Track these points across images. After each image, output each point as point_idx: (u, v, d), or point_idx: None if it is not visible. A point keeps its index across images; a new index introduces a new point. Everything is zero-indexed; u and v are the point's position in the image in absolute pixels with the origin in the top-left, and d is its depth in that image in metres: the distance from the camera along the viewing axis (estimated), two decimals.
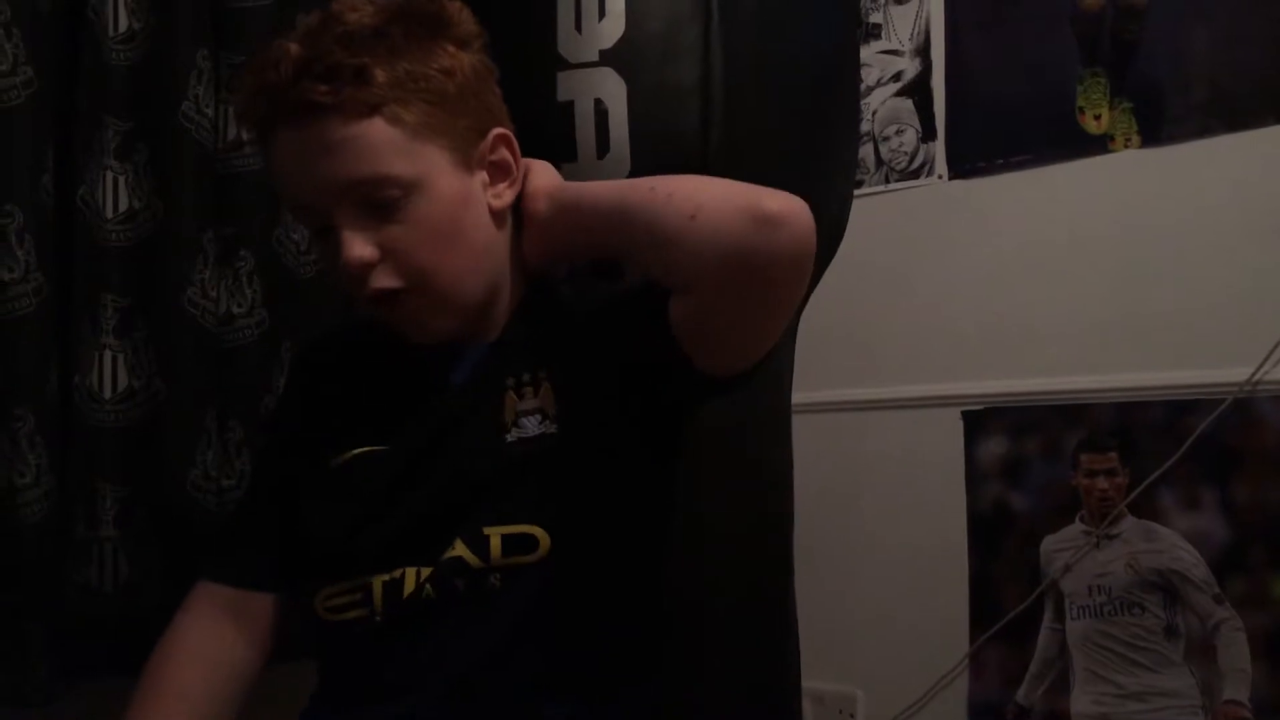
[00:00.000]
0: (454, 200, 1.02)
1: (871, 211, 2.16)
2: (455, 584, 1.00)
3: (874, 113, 2.26)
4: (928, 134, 2.20)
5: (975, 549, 2.09)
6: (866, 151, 2.26)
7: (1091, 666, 1.96)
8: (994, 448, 2.08)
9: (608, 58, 1.20)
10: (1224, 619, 1.84)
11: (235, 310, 1.52)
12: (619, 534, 1.06)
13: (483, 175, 1.05)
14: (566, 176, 1.19)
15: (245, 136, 1.51)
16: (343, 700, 1.05)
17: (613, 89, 1.20)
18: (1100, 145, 2.00)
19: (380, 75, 0.97)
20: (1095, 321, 1.99)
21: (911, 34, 2.23)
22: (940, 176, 2.19)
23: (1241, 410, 1.83)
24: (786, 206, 0.93)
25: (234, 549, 1.16)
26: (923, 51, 2.21)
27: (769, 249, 0.93)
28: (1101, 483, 1.97)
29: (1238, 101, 1.87)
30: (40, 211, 1.36)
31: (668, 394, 1.05)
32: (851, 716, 2.19)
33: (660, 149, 1.22)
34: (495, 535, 1.00)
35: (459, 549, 1.00)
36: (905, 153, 2.23)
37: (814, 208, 1.29)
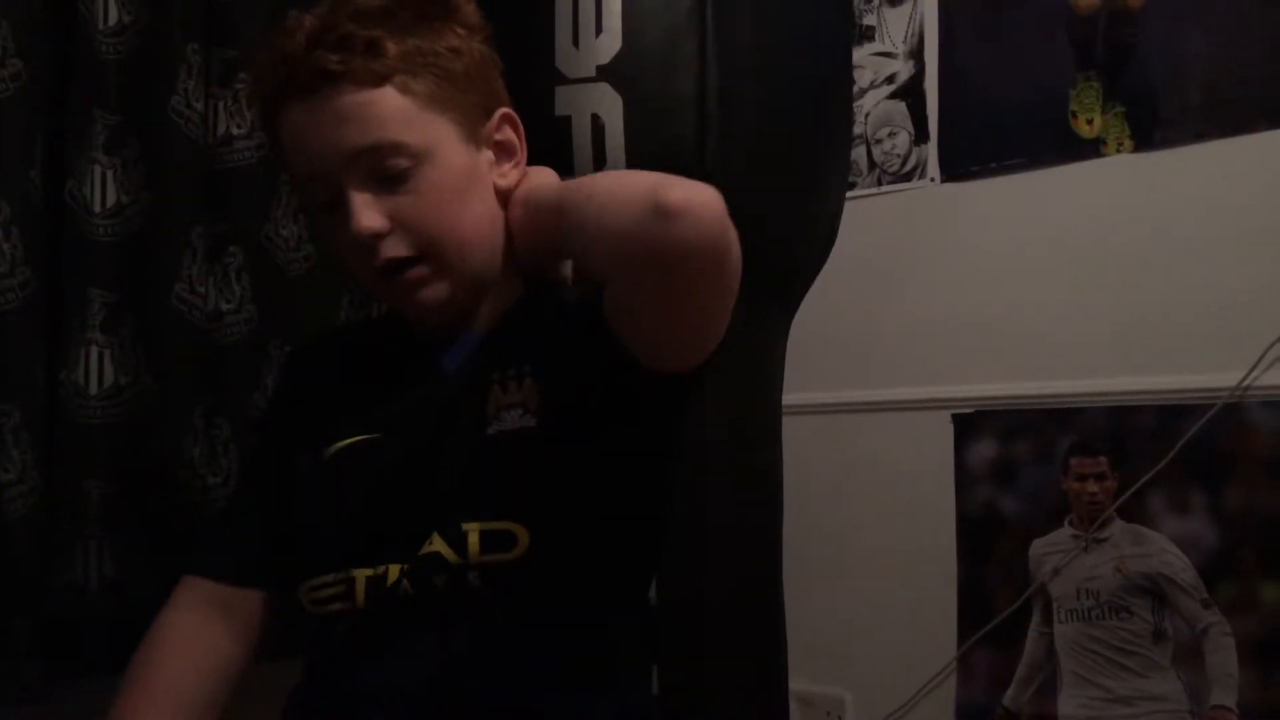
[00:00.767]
0: (461, 172, 1.04)
1: (864, 214, 2.16)
2: (434, 581, 1.00)
3: (867, 115, 2.26)
4: (920, 136, 2.20)
5: (964, 552, 2.09)
6: (859, 153, 2.26)
7: (1079, 670, 1.96)
8: (984, 451, 2.08)
9: (605, 73, 1.21)
10: (1212, 624, 1.84)
11: (224, 307, 1.52)
12: (600, 532, 1.05)
13: (488, 154, 1.08)
14: None
15: (252, 116, 1.49)
16: (322, 697, 1.05)
17: (609, 104, 1.21)
18: (1093, 149, 2.01)
19: (391, 47, 1.00)
20: (1086, 325, 1.99)
21: (905, 36, 2.23)
22: (933, 179, 2.19)
23: (1231, 415, 1.83)
24: (687, 197, 0.90)
25: (222, 544, 1.17)
26: (916, 54, 2.21)
27: (667, 241, 0.90)
28: (1091, 486, 1.97)
29: (1231, 106, 1.88)
30: (28, 205, 1.35)
31: (626, 392, 1.04)
32: (840, 719, 2.19)
33: (657, 163, 1.21)
34: (474, 532, 0.99)
35: (436, 544, 1.00)
36: (898, 155, 2.23)
37: (809, 215, 1.30)
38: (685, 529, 1.24)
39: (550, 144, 1.21)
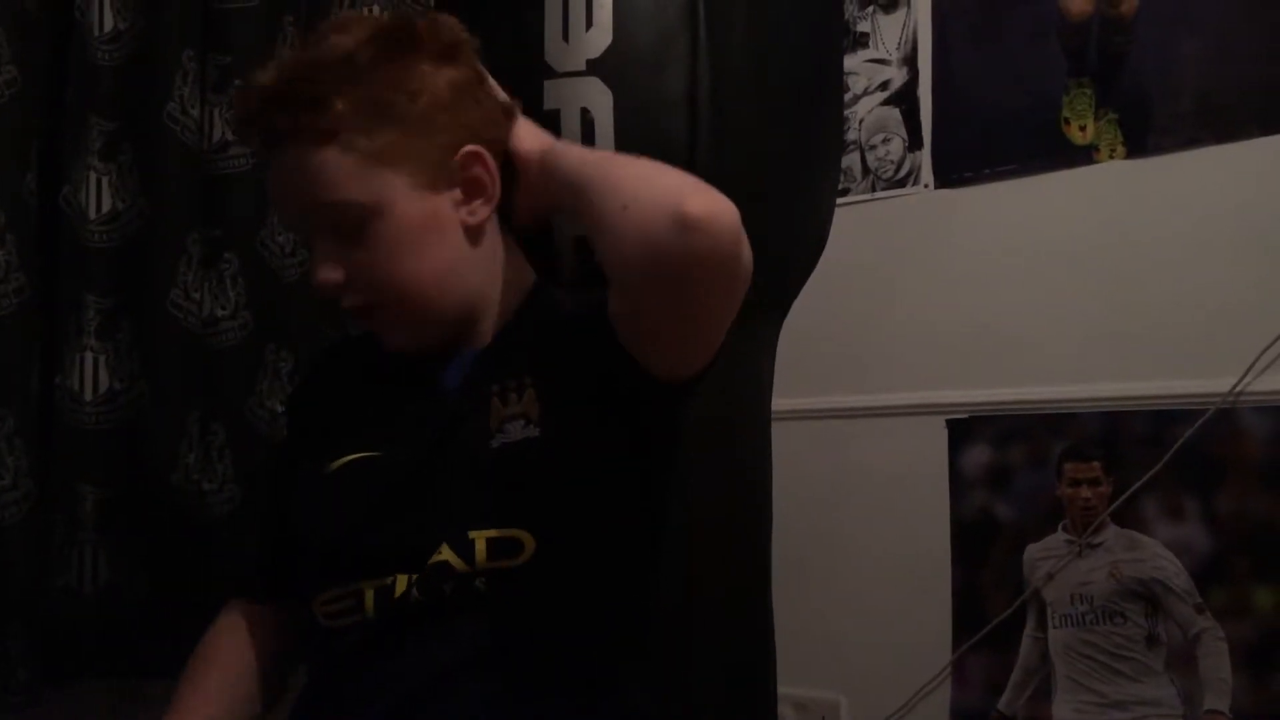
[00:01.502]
0: (416, 222, 1.03)
1: (858, 219, 2.16)
2: (442, 588, 1.00)
3: (861, 121, 2.27)
4: (914, 143, 2.21)
5: (959, 557, 2.10)
6: (853, 159, 2.27)
7: (1073, 675, 1.96)
8: (978, 456, 2.09)
9: (595, 67, 1.20)
10: (1205, 629, 1.84)
11: (219, 313, 1.52)
12: (604, 538, 1.06)
13: (455, 193, 1.06)
14: None
15: (231, 138, 1.50)
16: (328, 700, 1.05)
17: (599, 98, 1.20)
18: (1085, 156, 2.01)
19: (338, 104, 1.00)
20: (1080, 331, 1.99)
21: (899, 43, 2.23)
22: (926, 185, 2.19)
23: (1225, 421, 1.84)
24: (709, 210, 0.90)
25: (254, 564, 1.20)
26: (910, 61, 2.22)
27: (685, 252, 0.90)
28: (1085, 492, 1.98)
29: (1223, 113, 1.88)
30: (23, 211, 1.35)
31: (628, 398, 1.04)
32: None
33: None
34: (480, 539, 1.00)
35: (445, 553, 1.00)
36: (892, 161, 2.23)
37: (800, 219, 1.29)
38: (673, 533, 1.24)
39: None
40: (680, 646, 1.27)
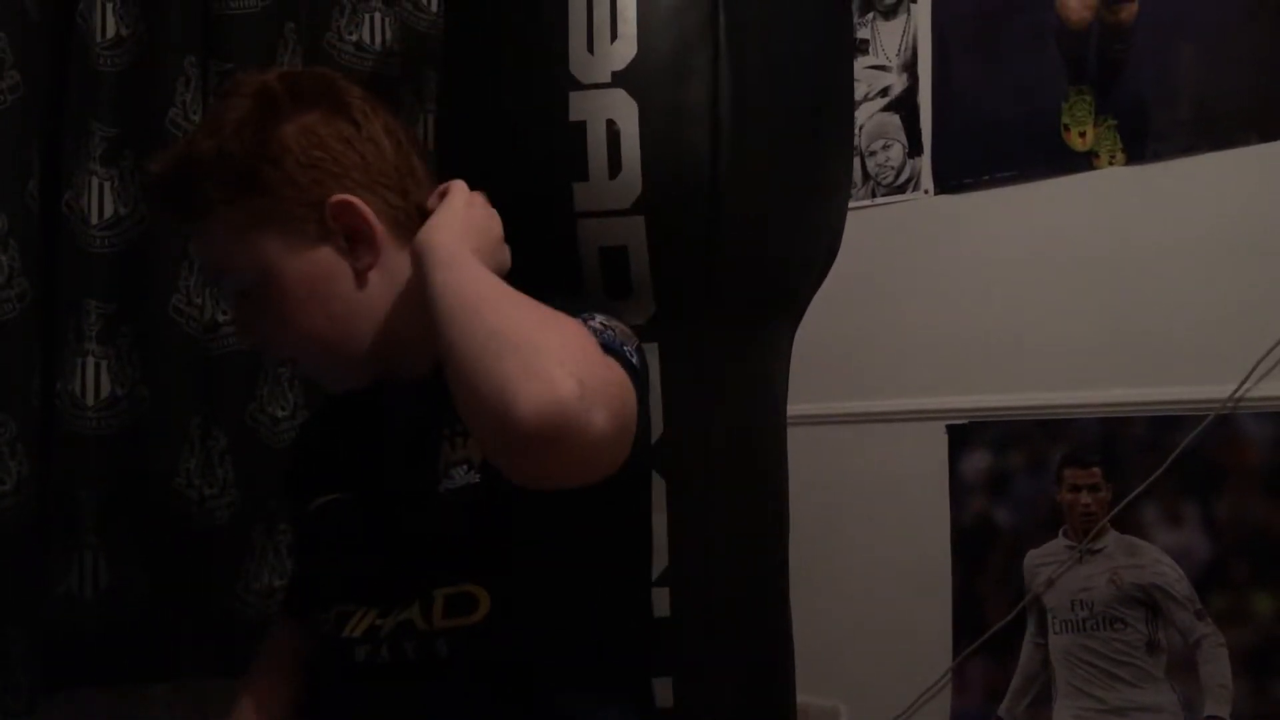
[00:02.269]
0: (302, 280, 1.05)
1: (858, 225, 2.15)
2: (406, 648, 1.02)
3: (861, 127, 2.27)
4: (914, 149, 2.21)
5: (959, 563, 2.10)
6: (853, 165, 2.27)
7: (1073, 681, 1.96)
8: (978, 462, 2.09)
9: (620, 79, 1.21)
10: (1205, 635, 1.84)
11: (220, 318, 1.52)
12: (561, 583, 1.04)
13: (338, 241, 1.06)
14: (578, 196, 1.21)
15: None
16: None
17: (625, 110, 1.21)
18: (1085, 162, 2.02)
19: (204, 185, 1.04)
20: (1080, 337, 1.99)
21: (899, 49, 2.24)
22: (926, 191, 2.20)
23: (1224, 427, 1.84)
24: (538, 413, 0.81)
25: (291, 587, 1.29)
26: (910, 67, 2.22)
27: (514, 454, 0.85)
28: (1085, 498, 1.98)
29: (1222, 120, 1.89)
30: (25, 216, 1.36)
31: None
32: None
33: (671, 169, 1.23)
34: (440, 596, 1.01)
35: (412, 611, 1.02)
36: (892, 167, 2.24)
37: (814, 227, 1.30)
38: (692, 541, 1.24)
39: (564, 149, 1.22)
40: (703, 650, 1.27)
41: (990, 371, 2.08)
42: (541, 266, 1.14)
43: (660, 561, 1.24)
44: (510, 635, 1.01)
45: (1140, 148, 1.96)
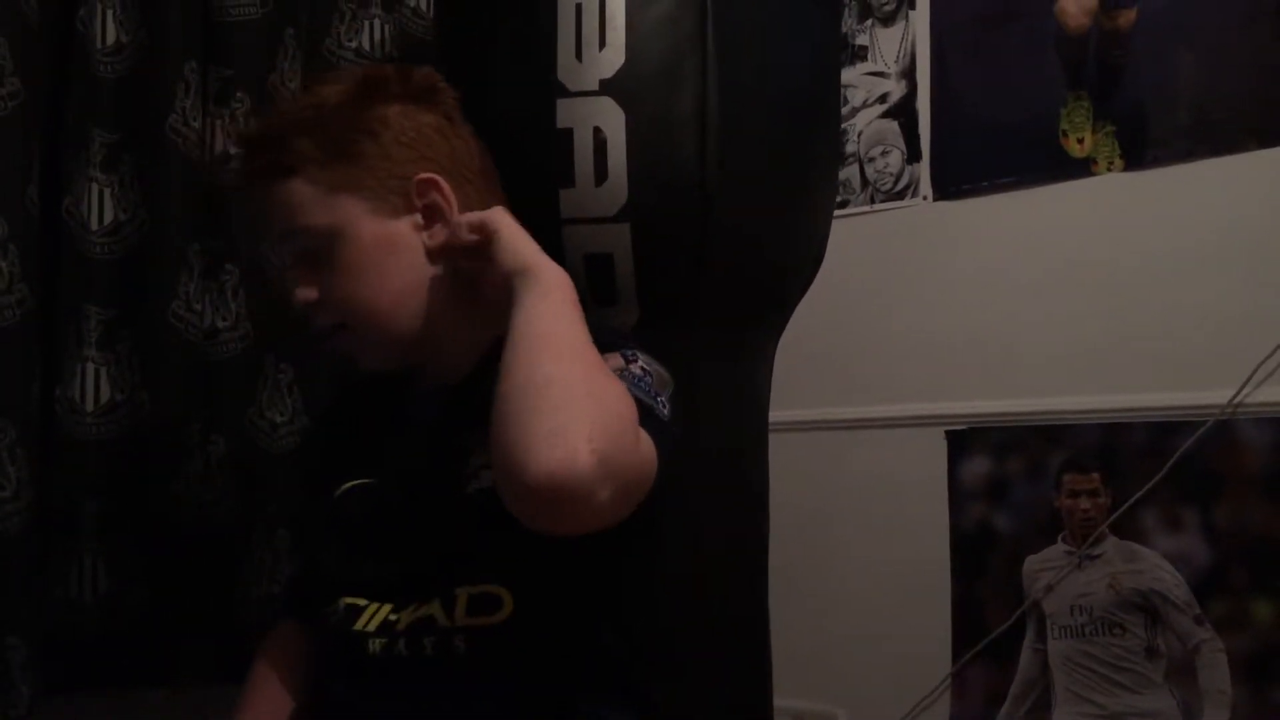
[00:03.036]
0: (376, 244, 1.10)
1: (857, 232, 2.17)
2: (424, 643, 1.03)
3: (859, 134, 2.27)
4: (913, 155, 2.21)
5: (958, 569, 2.10)
6: (852, 172, 2.27)
7: (1073, 687, 1.96)
8: (977, 468, 2.09)
9: (607, 87, 1.22)
10: (1205, 640, 1.84)
11: (220, 324, 1.52)
12: (582, 588, 1.07)
13: (415, 218, 1.11)
14: (564, 203, 1.22)
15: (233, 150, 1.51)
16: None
17: (612, 118, 1.22)
18: (1083, 168, 2.02)
19: (299, 141, 1.10)
20: (1078, 343, 2.00)
21: (897, 56, 2.24)
22: (925, 198, 2.20)
23: (1223, 432, 1.84)
24: (549, 478, 0.87)
25: (293, 586, 1.31)
26: (908, 74, 2.23)
27: (529, 511, 0.91)
28: (1084, 503, 1.98)
29: (1221, 126, 1.89)
30: (25, 222, 1.36)
31: None
32: None
33: (658, 177, 1.23)
34: (463, 595, 1.03)
35: (433, 606, 1.04)
36: (890, 174, 2.24)
37: (800, 235, 1.31)
38: (670, 548, 1.24)
39: (551, 156, 1.22)
40: (676, 663, 1.27)
41: (989, 377, 2.08)
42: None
43: None
44: (531, 637, 1.03)
45: (1139, 154, 1.96)
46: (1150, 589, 1.90)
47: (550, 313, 0.99)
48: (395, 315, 1.11)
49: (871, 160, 2.26)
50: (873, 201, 2.25)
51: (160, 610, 1.46)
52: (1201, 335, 1.87)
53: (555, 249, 1.21)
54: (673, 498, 1.11)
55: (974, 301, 2.11)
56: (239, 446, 1.52)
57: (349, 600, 1.08)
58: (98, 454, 1.44)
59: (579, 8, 1.23)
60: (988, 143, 2.12)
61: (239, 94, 1.52)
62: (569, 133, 1.22)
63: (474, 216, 1.07)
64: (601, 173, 1.22)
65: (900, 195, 2.22)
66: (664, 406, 1.04)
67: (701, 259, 1.26)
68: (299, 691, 1.18)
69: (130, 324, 1.46)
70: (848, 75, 2.26)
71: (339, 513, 1.15)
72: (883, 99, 2.25)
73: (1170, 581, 1.88)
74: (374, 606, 1.07)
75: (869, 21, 2.28)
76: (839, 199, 2.22)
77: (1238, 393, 1.82)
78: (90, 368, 1.44)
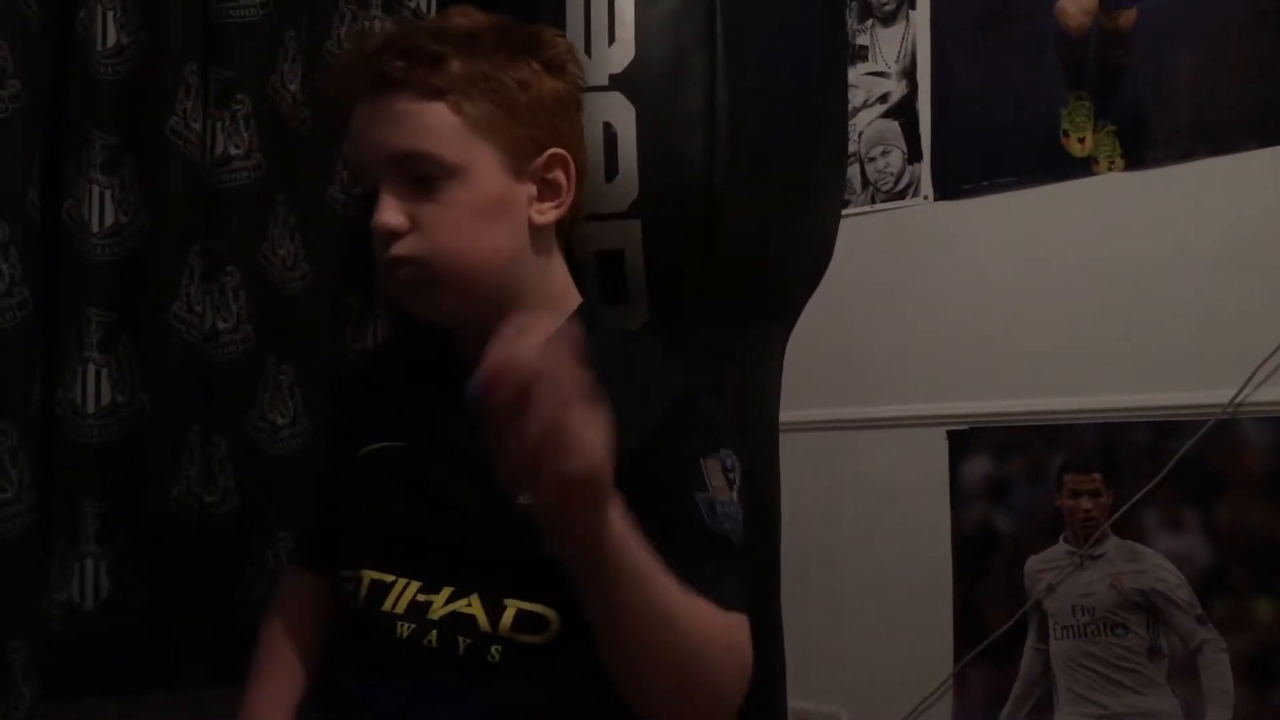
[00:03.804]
0: (491, 197, 1.06)
1: (858, 232, 2.17)
2: (458, 639, 1.01)
3: (860, 134, 2.27)
4: (913, 155, 2.21)
5: (959, 569, 2.10)
6: (853, 172, 2.27)
7: (1075, 687, 1.96)
8: (978, 468, 2.09)
9: (617, 82, 1.22)
10: (1207, 640, 1.84)
11: (221, 326, 1.52)
12: None
13: (531, 188, 1.09)
14: None
15: (234, 152, 1.51)
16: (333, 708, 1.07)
17: (622, 113, 1.22)
18: (1084, 168, 2.02)
19: (455, 66, 1.05)
20: (1079, 343, 2.00)
21: (898, 56, 2.24)
22: (926, 197, 2.20)
23: (1224, 432, 1.84)
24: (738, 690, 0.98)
25: (310, 537, 1.28)
26: (909, 74, 2.23)
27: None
28: (1085, 503, 1.98)
29: (1221, 126, 1.89)
30: (26, 225, 1.35)
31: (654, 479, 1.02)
32: None
33: (668, 173, 1.23)
34: (513, 608, 1.01)
35: (475, 608, 1.01)
36: (891, 173, 2.24)
37: (808, 232, 1.31)
38: None
39: None
40: None
41: (991, 377, 2.08)
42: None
43: None
44: (570, 662, 1.00)
45: (1139, 153, 1.96)
46: (1152, 589, 1.90)
47: (644, 592, 0.91)
48: (480, 273, 1.07)
49: (872, 160, 2.26)
50: (873, 201, 2.25)
51: (161, 613, 1.46)
52: (1202, 335, 1.88)
53: (565, 246, 1.21)
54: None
55: (975, 301, 2.11)
56: (240, 448, 1.51)
57: (374, 575, 1.06)
58: (99, 456, 1.43)
59: (588, 3, 1.23)
60: (988, 143, 2.12)
61: (239, 96, 1.51)
62: None
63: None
64: (612, 168, 1.22)
65: (901, 195, 2.23)
66: (739, 525, 1.05)
67: (711, 255, 1.26)
68: (313, 654, 1.15)
69: (131, 326, 1.46)
70: (849, 75, 2.26)
71: (363, 472, 1.12)
72: (883, 99, 2.26)
73: (1172, 581, 1.88)
74: (401, 584, 1.04)
75: (870, 21, 2.28)
76: None
77: (1239, 392, 1.82)
78: (91, 370, 1.44)
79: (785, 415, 1.46)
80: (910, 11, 2.23)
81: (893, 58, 2.25)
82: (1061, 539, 2.00)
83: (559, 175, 1.09)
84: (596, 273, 1.23)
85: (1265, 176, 1.85)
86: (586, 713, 1.02)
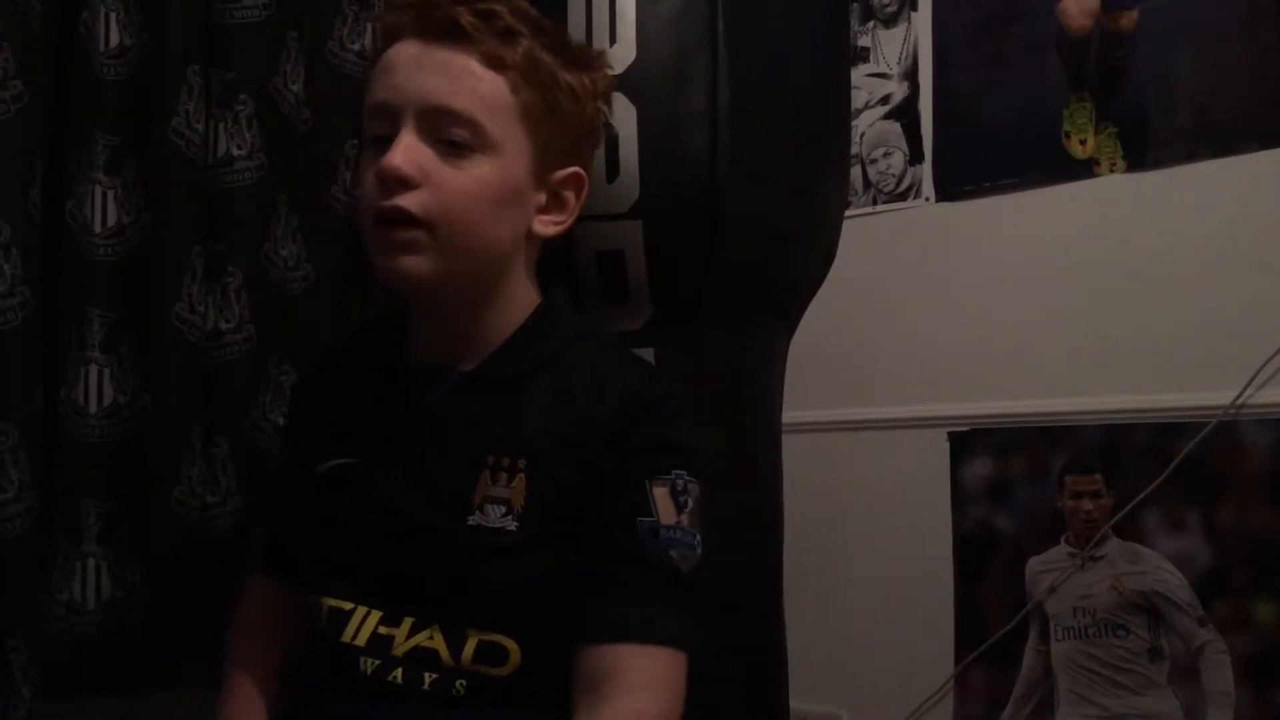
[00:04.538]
0: (511, 187, 1.04)
1: (859, 233, 2.16)
2: (423, 676, 1.00)
3: (862, 135, 2.27)
4: (915, 156, 2.21)
5: (961, 570, 2.10)
6: (854, 173, 2.27)
7: (1076, 688, 1.96)
8: (980, 469, 2.09)
9: (619, 83, 1.22)
10: (1208, 641, 1.84)
11: (223, 326, 1.52)
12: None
13: (542, 198, 1.08)
14: None
15: (236, 152, 1.51)
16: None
17: (624, 113, 1.22)
18: (1086, 169, 2.02)
19: (525, 46, 1.03)
20: (1081, 344, 2.00)
21: (899, 57, 2.24)
22: (927, 199, 2.20)
23: (1226, 433, 1.84)
24: None
25: (268, 548, 1.26)
26: (910, 75, 2.23)
27: None
28: (1086, 504, 1.98)
29: (1222, 127, 1.89)
30: (28, 225, 1.36)
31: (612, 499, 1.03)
32: None
33: (669, 174, 1.23)
34: (474, 639, 1.00)
35: (437, 641, 1.00)
36: (893, 175, 2.24)
37: (811, 233, 1.31)
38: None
39: None
40: (694, 661, 1.26)
41: (992, 379, 2.08)
42: (539, 270, 1.14)
43: None
44: (533, 692, 1.00)
45: (1141, 155, 1.96)
46: (1153, 590, 1.90)
47: None
48: (477, 254, 1.04)
49: (874, 161, 2.26)
50: (875, 203, 2.26)
51: (163, 613, 1.46)
52: (1204, 336, 1.88)
53: (567, 246, 1.21)
54: None
55: (976, 302, 2.11)
56: (242, 449, 1.52)
57: (332, 603, 1.04)
58: (100, 456, 1.43)
59: (589, 2, 1.23)
60: (990, 144, 2.12)
61: (241, 97, 1.52)
62: None
63: None
64: (614, 169, 1.22)
65: (902, 196, 2.23)
66: (697, 550, 1.03)
67: (713, 255, 1.26)
68: (282, 664, 1.15)
69: (133, 326, 1.46)
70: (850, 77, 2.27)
71: (321, 490, 1.09)
72: (885, 100, 2.26)
73: (1173, 583, 1.88)
74: (361, 612, 1.03)
75: (871, 23, 2.28)
76: None
77: (1240, 394, 1.82)
78: (93, 370, 1.44)
79: (786, 416, 1.46)
80: (912, 13, 2.23)
81: (894, 59, 2.25)
82: (1062, 540, 2.00)
83: (570, 195, 1.09)
84: (597, 273, 1.23)
85: (1267, 178, 1.85)
86: None
